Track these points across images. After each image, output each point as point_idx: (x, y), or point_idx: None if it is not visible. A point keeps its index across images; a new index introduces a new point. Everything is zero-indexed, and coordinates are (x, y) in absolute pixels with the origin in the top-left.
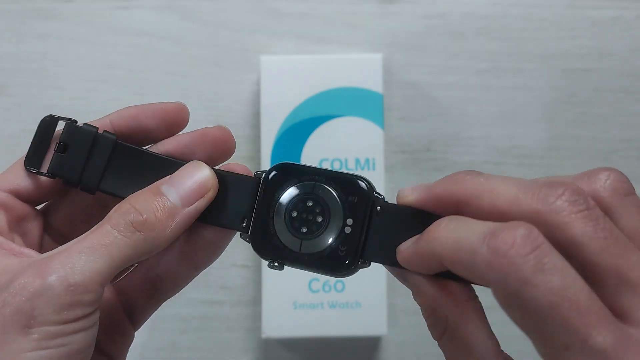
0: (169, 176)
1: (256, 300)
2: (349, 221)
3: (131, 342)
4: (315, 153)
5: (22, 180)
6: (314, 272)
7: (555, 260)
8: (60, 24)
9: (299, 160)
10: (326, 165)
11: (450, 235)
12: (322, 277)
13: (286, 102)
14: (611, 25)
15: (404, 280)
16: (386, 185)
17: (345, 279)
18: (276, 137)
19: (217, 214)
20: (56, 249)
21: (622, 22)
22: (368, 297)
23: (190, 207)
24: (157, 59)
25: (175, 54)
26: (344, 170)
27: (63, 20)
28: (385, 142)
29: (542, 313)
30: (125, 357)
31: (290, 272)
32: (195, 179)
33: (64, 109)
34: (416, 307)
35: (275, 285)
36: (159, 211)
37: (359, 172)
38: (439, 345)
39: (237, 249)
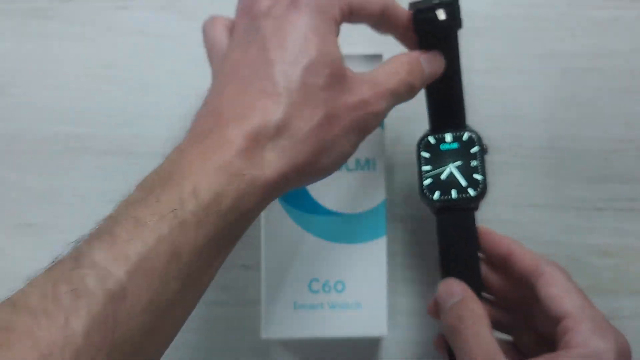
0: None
1: (256, 300)
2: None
3: None
4: None
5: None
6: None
7: None
8: (60, 24)
9: None
10: None
11: None
12: (322, 278)
13: None
14: (611, 25)
15: None
16: (386, 185)
17: (346, 280)
18: None
19: None
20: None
21: (622, 22)
22: (368, 298)
23: (430, 72)
24: (156, 58)
25: (175, 53)
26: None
27: (63, 20)
28: (385, 142)
29: None
30: None
31: (290, 273)
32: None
33: (64, 109)
34: (416, 308)
35: (275, 285)
36: (419, 77)
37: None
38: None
39: (237, 249)
